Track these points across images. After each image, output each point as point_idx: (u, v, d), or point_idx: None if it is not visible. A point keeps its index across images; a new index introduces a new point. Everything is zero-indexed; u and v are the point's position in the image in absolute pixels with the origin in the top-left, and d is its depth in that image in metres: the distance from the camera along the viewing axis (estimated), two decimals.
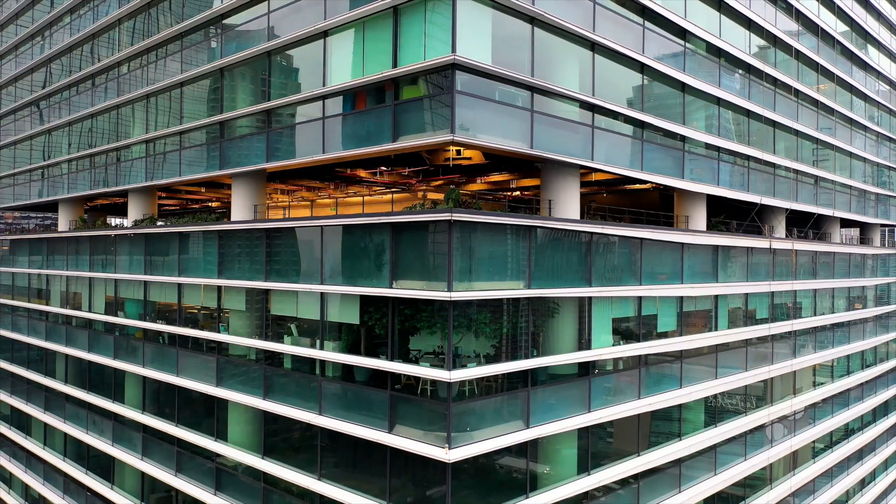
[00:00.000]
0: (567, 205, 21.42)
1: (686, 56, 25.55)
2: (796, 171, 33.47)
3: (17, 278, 41.21)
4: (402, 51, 18.36)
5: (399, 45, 18.45)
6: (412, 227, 18.03)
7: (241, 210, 24.94)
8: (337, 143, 20.45)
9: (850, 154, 39.51)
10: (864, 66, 41.39)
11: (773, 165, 31.42)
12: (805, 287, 34.22)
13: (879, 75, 44.07)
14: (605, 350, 21.81)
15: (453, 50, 16.76)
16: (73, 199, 36.54)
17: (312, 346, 21.38)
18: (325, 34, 20.69)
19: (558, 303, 20.80)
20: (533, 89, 19.31)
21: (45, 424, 37.50)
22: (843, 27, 38.87)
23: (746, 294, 29.66)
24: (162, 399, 28.66)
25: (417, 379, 18.66)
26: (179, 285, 26.85)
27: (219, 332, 25.07)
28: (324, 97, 20.68)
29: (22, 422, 40.96)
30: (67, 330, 35.29)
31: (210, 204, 42.97)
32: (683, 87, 25.44)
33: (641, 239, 23.25)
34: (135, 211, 30.96)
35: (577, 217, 21.61)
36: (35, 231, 43.96)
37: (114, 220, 39.50)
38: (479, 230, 17.83)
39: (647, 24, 23.73)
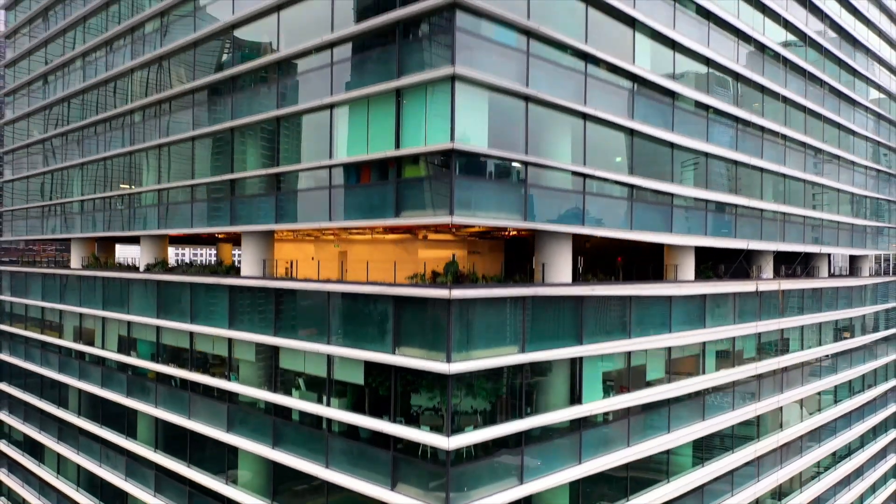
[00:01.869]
0: (559, 267, 22.65)
1: (675, 114, 26.76)
2: (784, 214, 34.69)
3: (31, 308, 42.44)
4: (405, 131, 19.60)
5: (402, 125, 19.68)
6: (413, 299, 19.27)
7: (250, 264, 26.18)
8: (342, 212, 21.68)
9: (838, 190, 40.72)
10: (853, 102, 42.55)
11: (761, 210, 32.64)
12: (792, 324, 35.44)
13: (868, 109, 45.19)
14: (596, 405, 23.04)
15: (452, 139, 18.00)
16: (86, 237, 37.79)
17: (319, 401, 22.63)
18: (331, 107, 21.93)
19: (551, 362, 22.03)
20: (527, 164, 20.55)
21: (59, 454, 38.74)
22: (830, 58, 40.04)
23: (734, 337, 30.88)
24: (174, 438, 29.87)
25: None
26: (191, 333, 28.09)
27: (229, 380, 26.32)
28: (330, 167, 21.94)
29: (35, 448, 42.23)
30: (80, 364, 36.54)
31: (218, 234, 44.14)
32: (672, 146, 26.67)
33: (632, 298, 24.49)
34: (147, 254, 32.22)
35: (570, 279, 22.83)
36: (48, 265, 45.13)
37: (124, 255, 40.67)
38: (478, 302, 19.08)
39: (637, 87, 24.96)
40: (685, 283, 27.68)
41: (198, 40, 27.63)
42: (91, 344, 35.71)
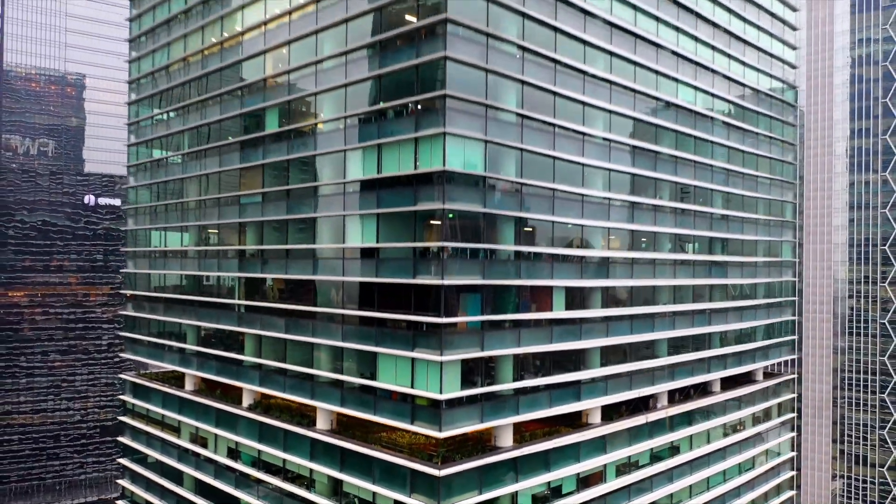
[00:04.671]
0: (504, 437, 39.47)
1: (582, 330, 43.43)
2: (673, 364, 51.14)
3: (151, 411, 59.63)
4: (416, 379, 36.49)
5: (415, 376, 36.58)
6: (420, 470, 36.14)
7: (323, 421, 43.16)
8: (382, 411, 38.63)
9: (724, 332, 57.08)
10: (740, 264, 58.89)
11: (653, 368, 49.16)
12: (681, 436, 51.90)
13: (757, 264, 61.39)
14: None
15: (440, 391, 34.91)
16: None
17: None
18: (375, 353, 38.83)
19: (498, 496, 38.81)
20: (482, 394, 37.40)
21: None
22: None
23: (629, 455, 47.43)
24: None
25: None
26: (283, 459, 45.07)
27: (309, 491, 43.27)
28: (375, 388, 38.90)
29: None
30: (196, 459, 53.62)
31: None
32: (582, 349, 43.39)
33: (551, 449, 41.19)
34: (248, 397, 49.33)
35: (511, 443, 39.58)
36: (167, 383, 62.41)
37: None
38: (456, 473, 35.87)
39: (555, 327, 41.66)
40: (591, 428, 44.26)
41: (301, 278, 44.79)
42: (205, 447, 52.78)
